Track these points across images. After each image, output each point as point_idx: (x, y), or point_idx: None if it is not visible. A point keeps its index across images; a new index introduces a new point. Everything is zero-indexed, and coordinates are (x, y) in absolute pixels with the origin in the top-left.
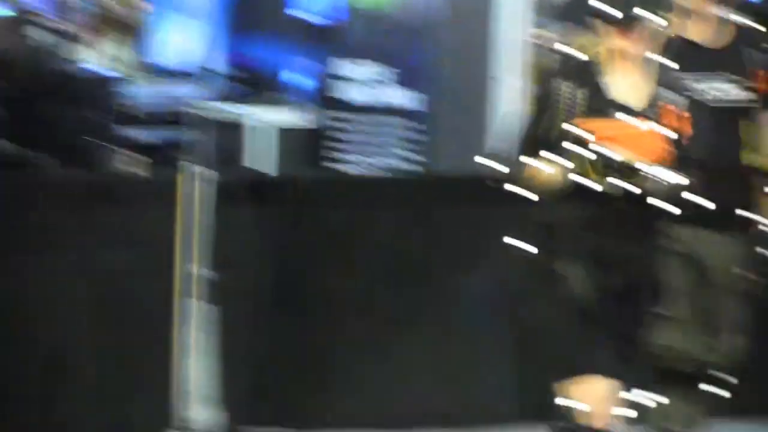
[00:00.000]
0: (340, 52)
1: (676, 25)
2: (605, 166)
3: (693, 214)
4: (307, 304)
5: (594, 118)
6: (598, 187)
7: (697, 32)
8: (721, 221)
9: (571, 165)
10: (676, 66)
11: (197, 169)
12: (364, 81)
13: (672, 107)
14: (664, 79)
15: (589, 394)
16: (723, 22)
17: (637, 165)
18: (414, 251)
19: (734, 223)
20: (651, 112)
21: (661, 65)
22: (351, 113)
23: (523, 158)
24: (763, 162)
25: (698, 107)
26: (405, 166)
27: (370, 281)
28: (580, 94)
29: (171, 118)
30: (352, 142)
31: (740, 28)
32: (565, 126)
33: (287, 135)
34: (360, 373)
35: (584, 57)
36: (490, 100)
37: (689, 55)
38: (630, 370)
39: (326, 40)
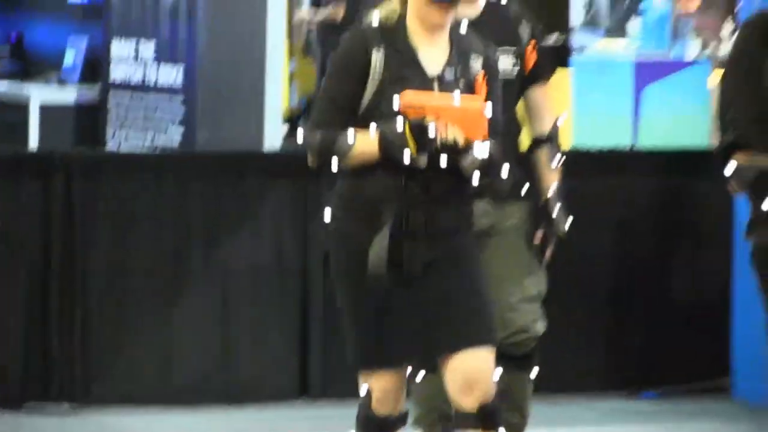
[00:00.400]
0: (112, 31)
1: None
2: (426, 142)
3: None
4: (85, 276)
5: (397, 84)
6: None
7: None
8: (512, 193)
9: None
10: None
11: None
12: (133, 59)
13: (480, 74)
14: (466, 48)
15: (378, 384)
16: None
17: (461, 142)
18: (186, 227)
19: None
20: (462, 79)
21: (463, 35)
22: (122, 90)
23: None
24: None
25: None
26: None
27: (146, 258)
28: (378, 57)
29: None
30: (123, 119)
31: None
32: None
33: (56, 113)
34: (138, 349)
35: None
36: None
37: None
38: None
39: (97, 19)
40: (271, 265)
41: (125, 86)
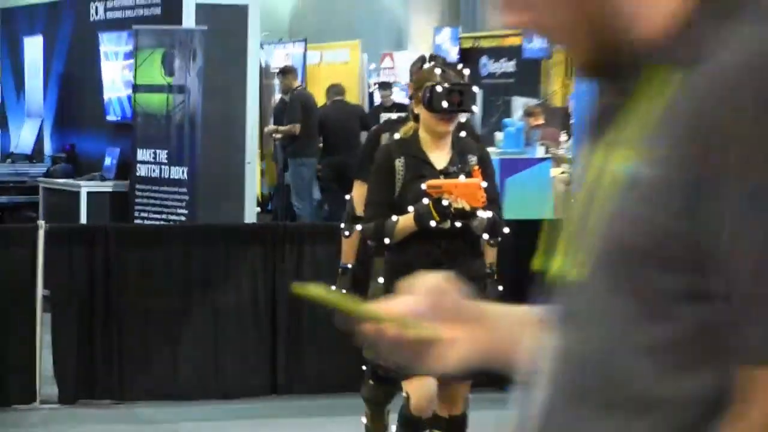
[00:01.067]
0: (137, 142)
1: None
2: (444, 211)
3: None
4: (119, 311)
5: (416, 181)
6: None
7: None
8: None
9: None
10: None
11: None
12: (152, 161)
13: (476, 166)
14: (463, 146)
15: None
16: None
17: (469, 209)
18: (190, 276)
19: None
20: (462, 170)
21: (460, 136)
22: (145, 184)
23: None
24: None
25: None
26: (180, 218)
27: (162, 298)
28: (400, 164)
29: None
30: (145, 204)
31: None
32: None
33: (99, 199)
34: (157, 361)
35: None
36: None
37: None
38: None
39: (127, 133)
40: (248, 305)
41: (147, 180)
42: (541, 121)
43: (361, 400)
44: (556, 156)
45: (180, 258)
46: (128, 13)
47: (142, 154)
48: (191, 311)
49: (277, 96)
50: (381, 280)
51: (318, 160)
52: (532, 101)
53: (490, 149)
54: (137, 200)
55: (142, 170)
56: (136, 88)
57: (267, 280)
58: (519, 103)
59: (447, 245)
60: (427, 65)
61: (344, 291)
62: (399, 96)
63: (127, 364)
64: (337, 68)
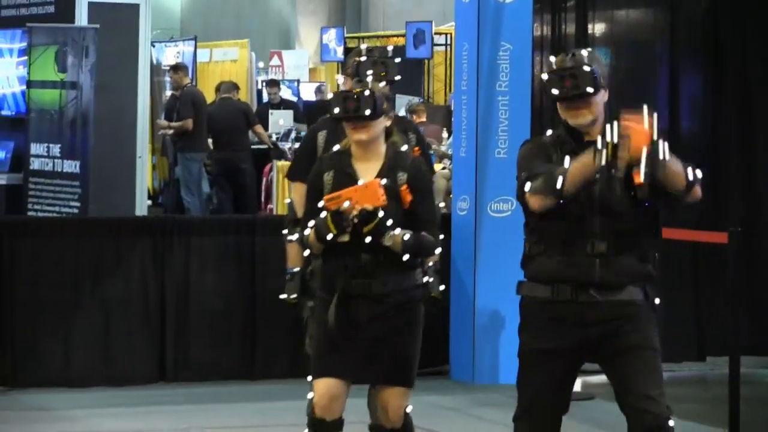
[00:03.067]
0: (31, 137)
1: None
2: (342, 223)
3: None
4: (11, 301)
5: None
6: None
7: None
8: None
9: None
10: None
11: None
12: (45, 155)
13: (405, 186)
14: (396, 160)
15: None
16: None
17: (371, 209)
18: (81, 267)
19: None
20: (389, 186)
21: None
22: (38, 177)
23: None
24: None
25: None
26: (73, 211)
27: (54, 288)
28: (329, 178)
29: None
30: (39, 197)
31: None
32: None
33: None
34: (48, 349)
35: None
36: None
37: None
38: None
39: (21, 128)
40: (138, 296)
41: (40, 174)
42: (423, 118)
43: (246, 387)
44: (439, 152)
45: (72, 249)
46: (22, 11)
47: (36, 148)
48: (82, 301)
49: (168, 92)
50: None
51: (207, 155)
52: (415, 99)
53: None
54: (30, 193)
55: (35, 164)
56: (29, 84)
57: (156, 271)
58: (402, 101)
59: (368, 259)
60: (361, 58)
61: (293, 296)
62: (286, 93)
63: (18, 352)
64: (226, 66)
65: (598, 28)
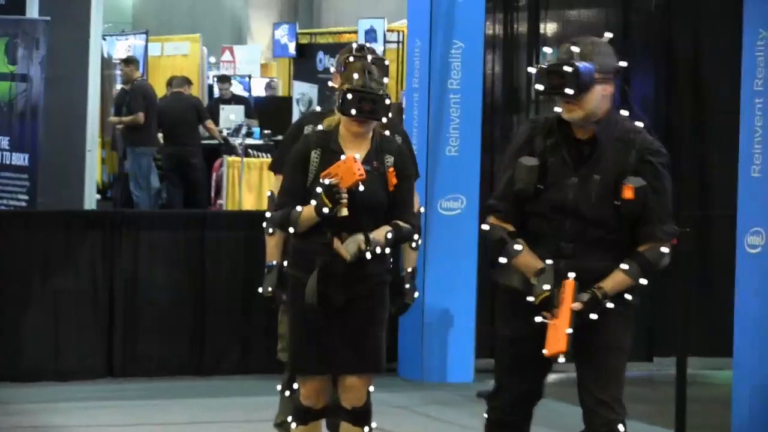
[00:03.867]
0: None
1: None
2: (333, 196)
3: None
4: None
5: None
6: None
7: None
8: None
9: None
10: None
11: None
12: None
13: (391, 168)
14: (384, 144)
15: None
16: None
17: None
18: (30, 261)
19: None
20: (376, 169)
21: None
22: None
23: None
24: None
25: None
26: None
27: (2, 281)
28: (315, 156)
29: None
30: None
31: None
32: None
33: None
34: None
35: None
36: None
37: None
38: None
39: None
40: (88, 286)
41: None
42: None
43: (194, 383)
44: None
45: (21, 243)
46: None
47: None
48: (31, 295)
49: (118, 86)
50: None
51: (157, 149)
52: None
53: None
54: None
55: None
56: None
57: (105, 265)
58: None
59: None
60: (352, 59)
61: (270, 289)
62: (237, 88)
63: None
64: (177, 61)
65: (550, 28)
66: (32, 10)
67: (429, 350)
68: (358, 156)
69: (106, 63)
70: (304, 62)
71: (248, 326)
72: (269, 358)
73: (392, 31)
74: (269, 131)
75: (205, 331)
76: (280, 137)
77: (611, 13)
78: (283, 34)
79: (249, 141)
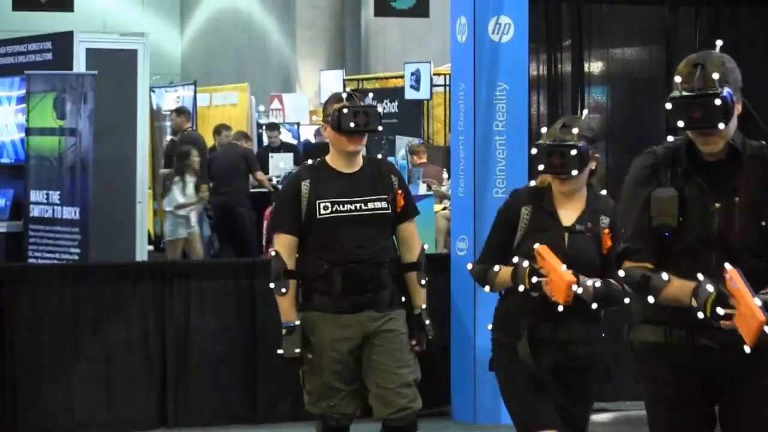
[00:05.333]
0: (30, 184)
1: None
2: (533, 285)
3: None
4: (12, 348)
5: (540, 232)
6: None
7: None
8: (393, 302)
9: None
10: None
11: None
12: (45, 203)
13: (607, 230)
14: (598, 208)
15: None
16: None
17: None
18: (82, 314)
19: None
20: (589, 231)
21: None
22: (38, 224)
23: None
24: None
25: None
26: (73, 257)
27: (55, 335)
28: (526, 212)
29: None
30: (39, 243)
31: None
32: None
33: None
34: (50, 394)
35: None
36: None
37: None
38: None
39: (21, 175)
40: (139, 340)
41: (40, 221)
42: (424, 159)
43: (250, 430)
44: (438, 193)
45: (72, 295)
46: (20, 59)
47: (35, 195)
48: (83, 347)
49: (168, 137)
50: (317, 332)
51: (208, 199)
52: (415, 140)
53: None
54: (31, 240)
55: (35, 211)
56: (28, 131)
57: (157, 315)
58: (402, 142)
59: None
60: (340, 106)
61: (297, 350)
62: (286, 136)
63: (20, 399)
64: (226, 110)
65: (594, 67)
66: (79, 65)
67: (481, 392)
68: (580, 290)
69: (156, 115)
70: None
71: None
72: None
73: (439, 74)
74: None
75: (258, 379)
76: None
77: (654, 50)
78: (330, 80)
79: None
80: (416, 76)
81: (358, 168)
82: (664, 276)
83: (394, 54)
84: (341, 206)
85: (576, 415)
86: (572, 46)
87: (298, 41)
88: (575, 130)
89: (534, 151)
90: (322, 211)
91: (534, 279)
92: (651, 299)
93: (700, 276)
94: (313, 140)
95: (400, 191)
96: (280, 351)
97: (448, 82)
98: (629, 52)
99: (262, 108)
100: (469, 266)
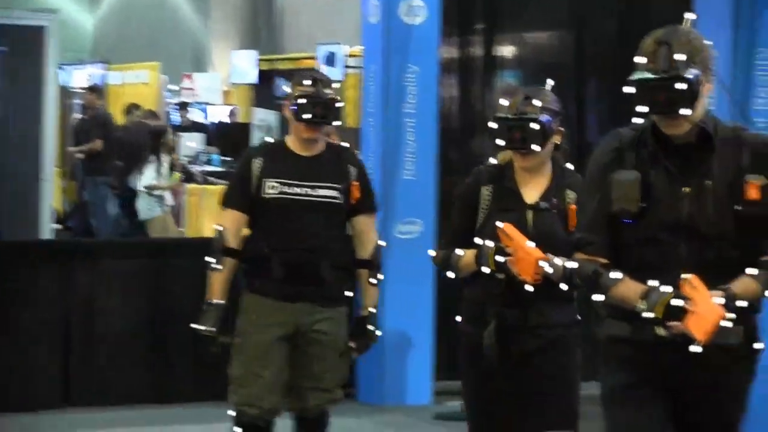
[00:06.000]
0: None
1: None
2: (499, 265)
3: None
4: None
5: (502, 212)
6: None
7: None
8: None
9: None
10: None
11: None
12: None
13: (573, 207)
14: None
15: None
16: None
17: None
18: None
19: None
20: (554, 207)
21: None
22: None
23: None
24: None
25: None
26: None
27: None
28: (487, 192)
29: None
30: None
31: None
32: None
33: None
34: None
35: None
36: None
37: None
38: None
39: None
40: (44, 318)
41: None
42: (335, 141)
43: (152, 411)
44: None
45: None
46: None
47: None
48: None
49: (77, 115)
50: (249, 315)
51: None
52: None
53: None
54: None
55: None
56: None
57: (61, 294)
58: None
59: (519, 286)
60: (300, 96)
61: (212, 328)
62: (197, 116)
63: None
64: (138, 89)
65: (506, 51)
66: None
67: (388, 373)
68: (547, 266)
69: (65, 93)
70: (264, 89)
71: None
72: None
73: (353, 56)
74: (229, 158)
75: (162, 360)
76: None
77: (566, 35)
78: (242, 60)
79: (208, 168)
80: (329, 57)
81: (317, 153)
82: (616, 274)
83: (308, 35)
84: (288, 188)
85: (562, 400)
86: (484, 30)
87: (212, 21)
88: (537, 102)
89: (493, 125)
90: (268, 191)
91: (500, 258)
92: (599, 297)
93: (654, 282)
94: (228, 121)
95: (356, 182)
96: (196, 325)
97: (361, 64)
98: (541, 36)
99: (173, 87)
100: (432, 253)
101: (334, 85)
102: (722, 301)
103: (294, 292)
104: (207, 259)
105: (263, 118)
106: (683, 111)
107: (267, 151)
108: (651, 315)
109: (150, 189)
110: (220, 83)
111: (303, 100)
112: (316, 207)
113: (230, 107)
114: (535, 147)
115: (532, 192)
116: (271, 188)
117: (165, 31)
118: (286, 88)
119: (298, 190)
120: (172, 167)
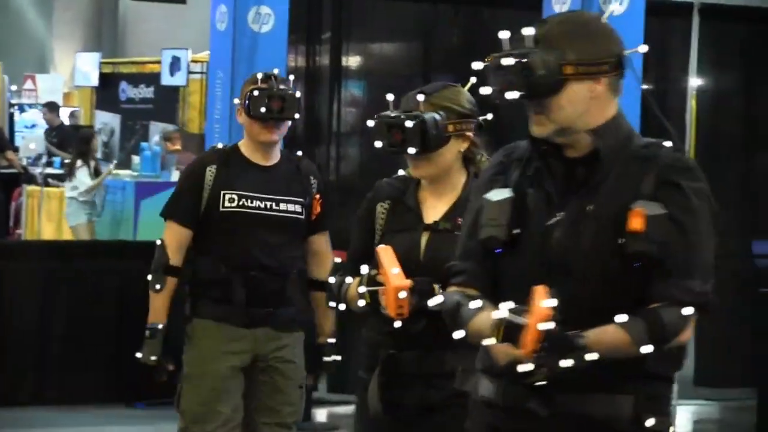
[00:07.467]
0: None
1: None
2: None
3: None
4: None
5: (395, 233)
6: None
7: None
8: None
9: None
10: None
11: None
12: None
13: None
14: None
15: None
16: None
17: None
18: None
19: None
20: (458, 228)
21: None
22: None
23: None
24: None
25: None
26: None
27: None
28: (382, 210)
29: None
30: None
31: None
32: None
33: None
34: None
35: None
36: None
37: None
38: None
39: None
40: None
41: None
42: (178, 146)
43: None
44: None
45: None
46: None
47: None
48: None
49: None
50: (201, 343)
51: None
52: (170, 127)
53: (125, 172)
54: None
55: None
56: None
57: None
58: (157, 128)
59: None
60: (257, 92)
61: (153, 358)
62: (36, 116)
63: None
64: None
65: (352, 60)
66: None
67: None
68: (404, 295)
69: None
70: (106, 92)
71: (45, 357)
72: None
73: (196, 62)
74: (68, 161)
75: (5, 361)
76: (80, 165)
77: (413, 47)
78: (85, 63)
79: (49, 170)
80: (173, 62)
81: (275, 162)
82: (476, 303)
83: (152, 39)
84: (249, 201)
85: None
86: (331, 39)
87: (55, 22)
88: (420, 98)
89: (370, 123)
90: (227, 203)
91: (362, 289)
92: (460, 334)
93: (505, 309)
94: (67, 122)
95: (318, 196)
96: (138, 354)
97: (205, 70)
98: (388, 47)
99: (14, 88)
100: (331, 280)
101: (289, 83)
102: (551, 325)
103: (254, 316)
104: (148, 278)
105: (105, 121)
106: (410, 150)
107: (221, 159)
108: (492, 341)
109: (87, 191)
110: (62, 85)
111: (256, 92)
112: (278, 223)
113: (71, 109)
114: (410, 150)
115: (434, 210)
116: (230, 201)
117: (7, 31)
118: (73, 99)
119: (259, 203)
120: (96, 171)
